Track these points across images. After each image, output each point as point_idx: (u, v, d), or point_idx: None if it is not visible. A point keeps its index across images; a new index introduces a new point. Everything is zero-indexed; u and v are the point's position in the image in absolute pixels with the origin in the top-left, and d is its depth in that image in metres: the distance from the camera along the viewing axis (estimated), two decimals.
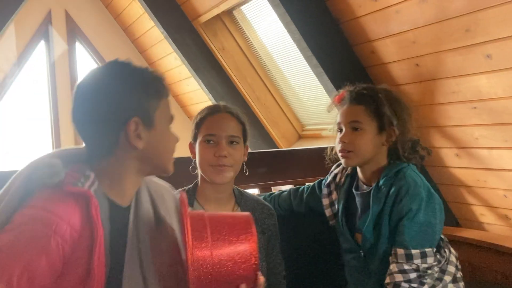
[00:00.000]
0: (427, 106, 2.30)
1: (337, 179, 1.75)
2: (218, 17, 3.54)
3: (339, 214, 1.69)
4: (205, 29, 3.64)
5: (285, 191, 1.93)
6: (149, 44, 4.67)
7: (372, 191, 1.58)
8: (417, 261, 1.46)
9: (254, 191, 2.23)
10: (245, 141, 1.60)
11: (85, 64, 5.03)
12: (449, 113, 2.23)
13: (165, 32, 3.70)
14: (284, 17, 2.40)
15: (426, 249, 1.48)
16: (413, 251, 1.46)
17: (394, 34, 2.19)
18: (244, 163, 1.60)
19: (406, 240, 1.48)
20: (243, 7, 3.39)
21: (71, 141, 4.94)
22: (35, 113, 5.02)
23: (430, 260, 1.47)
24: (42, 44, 4.84)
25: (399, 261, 1.47)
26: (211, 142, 1.53)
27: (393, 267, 1.48)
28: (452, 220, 2.60)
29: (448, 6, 1.91)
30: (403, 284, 1.44)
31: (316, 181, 1.87)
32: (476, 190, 2.40)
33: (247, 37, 3.65)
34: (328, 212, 1.75)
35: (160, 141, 1.14)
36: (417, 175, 1.57)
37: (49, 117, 4.94)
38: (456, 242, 2.20)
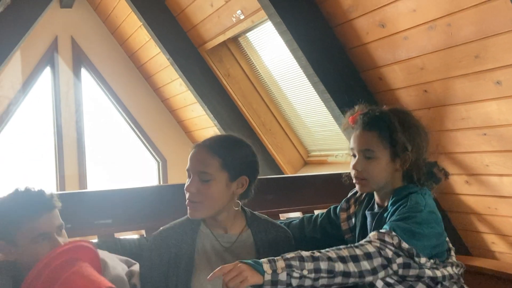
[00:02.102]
0: (436, 132, 2.28)
1: (357, 194, 1.71)
2: (223, 43, 3.56)
3: (356, 234, 1.64)
4: (211, 55, 3.66)
5: (294, 219, 1.89)
6: (155, 70, 4.70)
7: (379, 213, 1.56)
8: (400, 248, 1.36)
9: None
10: (233, 174, 1.49)
11: (91, 91, 5.06)
12: (458, 139, 2.21)
13: (171, 58, 3.72)
14: (291, 44, 2.41)
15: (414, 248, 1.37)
16: (402, 242, 1.37)
17: (402, 60, 2.19)
18: (238, 196, 1.52)
19: (395, 225, 1.40)
20: (248, 34, 3.42)
21: (74, 169, 4.93)
22: (39, 139, 5.01)
23: (415, 264, 1.37)
24: (47, 71, 4.87)
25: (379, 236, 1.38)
26: (188, 177, 1.52)
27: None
28: (462, 248, 2.55)
29: (456, 33, 1.91)
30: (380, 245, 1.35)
31: (331, 207, 1.84)
32: (487, 218, 2.36)
33: (253, 63, 3.67)
34: (344, 226, 1.70)
35: (26, 255, 1.34)
36: (422, 199, 1.51)
37: (53, 144, 4.94)
38: (467, 271, 2.14)
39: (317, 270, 1.28)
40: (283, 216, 2.18)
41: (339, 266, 1.29)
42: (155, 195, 2.01)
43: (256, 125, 3.81)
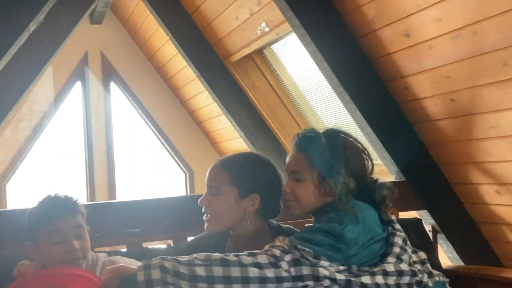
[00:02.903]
0: (464, 141, 2.25)
1: None
2: (249, 56, 3.60)
3: None
4: (236, 68, 3.71)
5: None
6: (182, 83, 4.78)
7: None
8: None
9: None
10: (243, 191, 1.49)
11: (120, 103, 5.17)
12: (488, 148, 2.17)
13: (197, 71, 3.78)
14: (315, 55, 2.42)
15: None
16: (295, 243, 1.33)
17: (427, 70, 2.18)
18: (246, 215, 1.51)
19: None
20: (273, 46, 3.45)
21: (104, 180, 5.03)
22: (70, 151, 5.14)
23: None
24: (78, 85, 5.01)
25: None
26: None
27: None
28: (494, 259, 2.49)
29: (483, 41, 1.89)
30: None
31: None
32: None
33: (278, 74, 3.69)
34: None
35: (46, 256, 1.42)
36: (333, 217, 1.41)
37: (84, 155, 5.05)
38: (499, 283, 2.10)
39: (193, 278, 1.24)
40: None
41: (218, 271, 1.25)
42: (182, 205, 2.03)
43: (281, 136, 3.83)
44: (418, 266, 1.49)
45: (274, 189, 1.56)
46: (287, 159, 1.55)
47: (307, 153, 1.48)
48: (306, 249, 1.31)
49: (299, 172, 1.49)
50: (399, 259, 1.43)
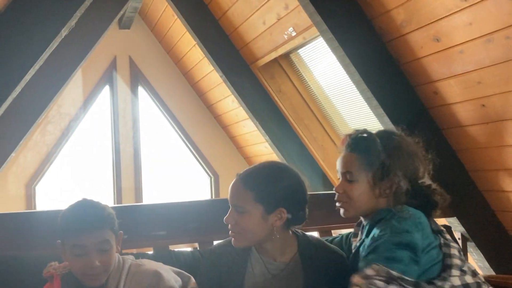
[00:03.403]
0: (495, 148, 2.20)
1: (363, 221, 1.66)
2: (275, 60, 3.60)
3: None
4: (263, 72, 3.71)
5: (337, 236, 1.87)
6: (208, 87, 4.81)
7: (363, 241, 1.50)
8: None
9: (313, 235, 2.18)
10: (268, 207, 1.46)
11: (147, 108, 5.23)
12: None
13: (223, 76, 3.80)
14: (343, 59, 2.40)
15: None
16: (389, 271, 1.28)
17: (458, 75, 2.14)
18: (275, 229, 1.48)
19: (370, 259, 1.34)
20: (300, 51, 3.44)
21: (131, 183, 5.09)
22: (98, 154, 5.22)
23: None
24: (106, 89, 5.09)
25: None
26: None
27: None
28: None
29: None
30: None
31: (343, 234, 1.80)
32: None
33: (304, 79, 3.68)
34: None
35: (68, 261, 1.45)
36: (390, 224, 1.40)
37: (111, 158, 5.13)
38: None
39: None
40: (335, 232, 2.16)
41: None
42: (209, 209, 2.04)
43: (307, 140, 3.81)
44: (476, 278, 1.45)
45: (299, 198, 1.52)
46: (339, 160, 1.54)
47: (362, 154, 1.48)
48: (406, 278, 1.27)
49: (352, 173, 1.48)
50: (462, 271, 1.41)
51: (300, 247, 1.54)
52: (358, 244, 1.54)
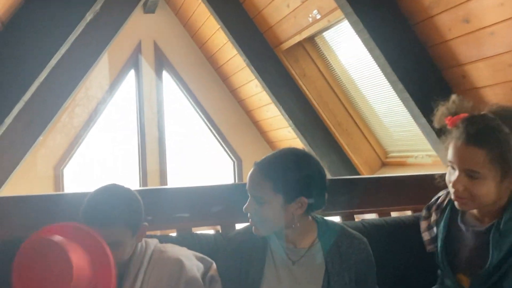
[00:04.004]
0: None
1: (439, 200, 1.56)
2: (300, 44, 3.56)
3: (439, 248, 1.52)
4: (287, 56, 3.68)
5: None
6: (232, 71, 4.80)
7: (492, 233, 1.34)
8: None
9: (336, 219, 2.17)
10: (288, 197, 1.42)
11: (171, 91, 5.26)
12: None
13: (247, 59, 3.78)
14: (368, 42, 2.36)
15: None
16: None
17: (488, 57, 2.08)
18: (295, 218, 1.45)
19: None
20: (325, 33, 3.39)
21: (156, 166, 5.15)
22: (124, 136, 5.29)
23: None
24: (132, 73, 5.14)
25: None
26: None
27: None
28: None
29: None
30: None
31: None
32: None
33: (329, 62, 3.64)
34: (425, 236, 1.57)
35: None
36: None
37: (137, 141, 5.20)
38: None
39: None
40: (358, 218, 2.15)
41: None
42: (232, 192, 2.05)
43: (332, 125, 3.78)
44: None
45: (319, 185, 1.48)
46: (454, 151, 1.32)
47: (490, 149, 1.27)
48: None
49: (477, 172, 1.29)
50: None
51: (320, 233, 1.53)
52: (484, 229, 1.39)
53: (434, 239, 1.54)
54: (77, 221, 1.43)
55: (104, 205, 1.39)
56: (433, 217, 1.55)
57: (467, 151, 1.30)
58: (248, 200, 1.48)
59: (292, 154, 1.50)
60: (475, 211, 1.42)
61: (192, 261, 1.52)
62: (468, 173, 1.31)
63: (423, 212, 1.60)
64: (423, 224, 1.58)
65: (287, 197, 1.43)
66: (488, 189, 1.30)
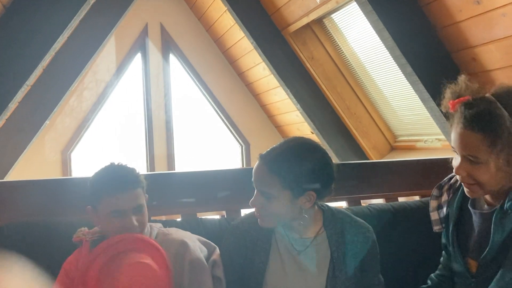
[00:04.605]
0: None
1: (452, 180, 1.52)
2: (307, 26, 3.51)
3: (450, 231, 1.49)
4: (294, 38, 3.63)
5: None
6: (239, 54, 4.75)
7: (494, 214, 1.33)
8: None
9: (342, 204, 2.15)
10: (296, 192, 1.40)
11: (178, 75, 5.24)
12: None
13: (254, 42, 3.74)
14: (377, 24, 2.32)
15: None
16: None
17: (499, 39, 2.03)
18: (304, 210, 1.44)
19: None
20: (333, 15, 3.34)
21: (163, 150, 5.16)
22: (131, 120, 5.29)
23: None
24: (138, 56, 5.11)
25: None
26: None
27: None
28: None
29: None
30: None
31: None
32: None
33: (337, 45, 3.58)
34: (434, 216, 1.54)
35: (103, 225, 1.47)
36: None
37: (144, 125, 5.19)
38: None
39: None
40: (365, 203, 2.13)
41: None
42: (237, 178, 2.03)
43: (340, 109, 3.74)
44: None
45: (328, 176, 1.45)
46: (455, 136, 1.30)
47: (489, 133, 1.24)
48: None
49: (478, 157, 1.27)
50: None
51: (326, 222, 1.51)
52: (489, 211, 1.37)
53: (443, 220, 1.52)
54: (87, 202, 1.46)
55: (121, 172, 1.45)
56: (444, 197, 1.52)
57: (465, 136, 1.28)
58: (255, 194, 1.45)
59: (299, 147, 1.46)
60: (487, 195, 1.39)
61: (195, 243, 1.53)
62: (469, 158, 1.29)
63: (434, 191, 1.57)
64: (433, 203, 1.55)
65: (295, 193, 1.41)
66: (491, 174, 1.27)
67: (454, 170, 1.35)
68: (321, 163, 1.44)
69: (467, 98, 1.31)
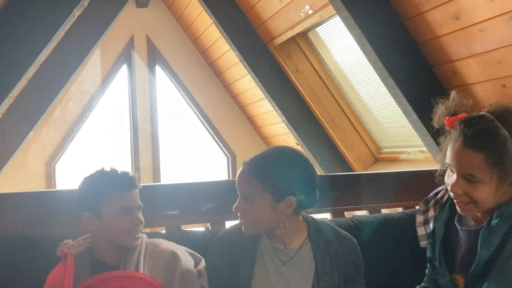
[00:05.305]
0: None
1: (439, 195, 1.53)
2: (292, 39, 3.55)
3: (437, 247, 1.49)
4: (280, 51, 3.67)
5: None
6: (225, 67, 4.78)
7: (481, 231, 1.33)
8: None
9: (326, 216, 2.17)
10: (277, 196, 1.42)
11: (165, 86, 5.24)
12: None
13: (240, 55, 3.77)
14: (359, 38, 2.36)
15: None
16: None
17: (478, 54, 2.08)
18: (284, 217, 1.45)
19: None
20: (318, 29, 3.38)
21: (149, 162, 5.14)
22: (117, 132, 5.27)
23: None
24: (124, 68, 5.10)
25: None
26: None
27: None
28: None
29: None
30: None
31: None
32: None
33: (322, 58, 3.63)
34: (420, 231, 1.54)
35: (108, 226, 1.44)
36: None
37: (129, 136, 5.17)
38: None
39: None
40: (349, 214, 2.15)
41: None
42: (221, 190, 2.04)
43: (325, 121, 3.77)
44: None
45: (309, 183, 1.48)
46: (450, 154, 1.30)
47: (488, 153, 1.23)
48: None
49: (476, 176, 1.26)
50: None
51: (310, 233, 1.52)
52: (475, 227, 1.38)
53: (429, 235, 1.52)
54: (80, 210, 1.46)
55: (122, 172, 1.48)
56: (431, 212, 1.53)
57: (464, 155, 1.26)
58: (238, 199, 1.48)
59: (280, 153, 1.50)
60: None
61: (185, 254, 1.54)
62: (467, 176, 1.28)
63: (421, 206, 1.57)
64: (419, 218, 1.56)
65: (275, 197, 1.43)
66: (487, 192, 1.27)
67: (449, 188, 1.34)
68: (301, 169, 1.47)
69: (465, 115, 1.31)
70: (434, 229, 1.50)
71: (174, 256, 1.49)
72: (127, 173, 1.48)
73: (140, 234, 1.47)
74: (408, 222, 1.91)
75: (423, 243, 1.54)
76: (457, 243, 1.43)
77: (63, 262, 1.45)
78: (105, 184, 1.45)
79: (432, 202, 1.54)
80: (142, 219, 1.48)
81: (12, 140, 3.64)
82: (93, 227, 1.46)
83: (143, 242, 1.51)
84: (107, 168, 1.49)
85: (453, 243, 1.44)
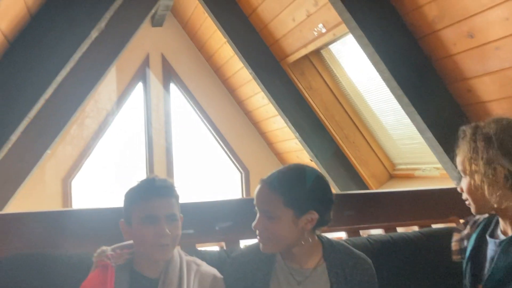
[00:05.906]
0: None
1: (476, 217, 1.60)
2: (306, 57, 3.57)
3: (466, 257, 1.53)
4: (293, 68, 3.69)
5: None
6: (238, 84, 4.81)
7: (503, 242, 1.38)
8: None
9: (341, 235, 2.15)
10: (298, 211, 1.42)
11: (179, 104, 5.29)
12: None
13: (253, 72, 3.79)
14: (373, 57, 2.36)
15: None
16: None
17: (493, 72, 2.07)
18: (305, 231, 1.44)
19: None
20: (331, 46, 3.40)
21: (163, 175, 5.13)
22: (132, 148, 5.31)
23: None
24: (140, 85, 5.17)
25: None
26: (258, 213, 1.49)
27: None
28: None
29: None
30: None
31: None
32: None
33: (335, 75, 3.64)
34: (455, 246, 1.60)
35: (135, 235, 1.43)
36: None
37: (145, 153, 5.21)
38: None
39: None
40: (364, 233, 2.13)
41: None
42: (237, 208, 2.04)
43: (338, 137, 3.77)
44: None
45: (327, 198, 1.49)
46: (459, 155, 1.41)
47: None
48: None
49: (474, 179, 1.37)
50: None
51: (325, 253, 1.51)
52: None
53: (463, 251, 1.57)
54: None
55: (157, 181, 1.44)
56: (467, 230, 1.59)
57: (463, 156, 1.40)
58: (257, 216, 1.47)
59: (298, 169, 1.51)
60: (501, 222, 1.44)
61: (221, 277, 1.53)
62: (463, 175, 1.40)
63: (460, 226, 1.65)
64: (456, 236, 1.62)
65: (297, 212, 1.42)
66: (486, 192, 1.35)
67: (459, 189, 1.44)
68: (320, 183, 1.48)
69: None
70: (467, 246, 1.55)
71: (217, 280, 1.49)
72: (160, 181, 1.44)
73: (168, 246, 1.40)
74: (424, 241, 1.89)
75: (455, 257, 1.60)
76: (484, 256, 1.45)
77: (100, 270, 1.41)
78: (135, 191, 1.43)
79: (471, 222, 1.60)
80: (173, 232, 1.39)
81: (29, 159, 3.69)
82: (126, 235, 1.44)
83: (182, 257, 1.49)
84: (150, 175, 1.48)
85: (481, 257, 1.47)
